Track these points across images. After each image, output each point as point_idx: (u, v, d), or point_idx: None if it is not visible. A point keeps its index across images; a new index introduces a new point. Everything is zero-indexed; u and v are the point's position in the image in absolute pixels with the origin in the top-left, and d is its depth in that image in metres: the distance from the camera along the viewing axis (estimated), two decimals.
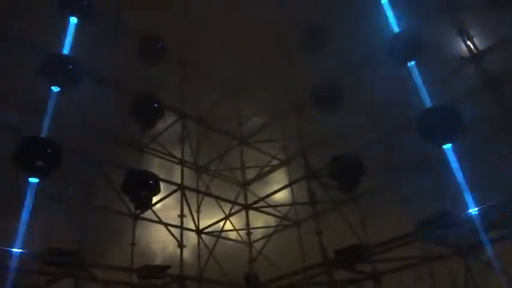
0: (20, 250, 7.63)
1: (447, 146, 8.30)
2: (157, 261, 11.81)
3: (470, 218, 7.79)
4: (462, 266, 8.60)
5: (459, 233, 8.30)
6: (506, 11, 8.67)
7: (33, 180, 8.08)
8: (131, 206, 10.50)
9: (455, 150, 8.17)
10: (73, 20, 10.28)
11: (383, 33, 9.99)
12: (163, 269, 10.22)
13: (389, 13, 10.27)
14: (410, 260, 9.23)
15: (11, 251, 7.60)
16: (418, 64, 9.16)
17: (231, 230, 13.12)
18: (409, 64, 9.24)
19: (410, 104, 9.18)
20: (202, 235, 12.25)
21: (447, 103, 8.54)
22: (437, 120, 8.46)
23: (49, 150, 8.31)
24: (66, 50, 9.83)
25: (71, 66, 9.61)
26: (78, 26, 10.26)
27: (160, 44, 12.46)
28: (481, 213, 7.70)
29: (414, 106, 8.84)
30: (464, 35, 9.40)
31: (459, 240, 8.62)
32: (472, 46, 9.29)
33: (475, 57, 9.19)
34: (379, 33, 10.10)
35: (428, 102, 8.73)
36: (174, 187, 11.50)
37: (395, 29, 10.04)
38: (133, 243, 10.56)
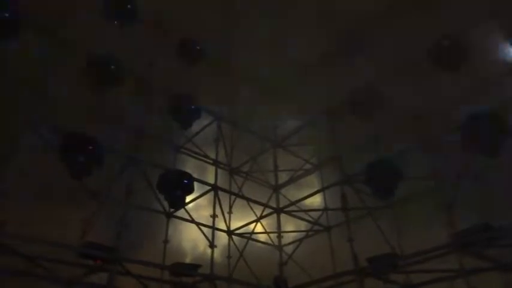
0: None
1: (492, 155, 7.96)
2: (188, 260, 11.99)
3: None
4: (502, 282, 8.24)
5: (501, 247, 7.95)
6: None
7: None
8: (165, 204, 10.69)
9: (502, 159, 7.82)
10: (116, 22, 10.66)
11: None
12: (194, 267, 10.34)
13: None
14: (446, 273, 8.90)
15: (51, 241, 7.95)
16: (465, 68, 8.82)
17: (261, 233, 13.13)
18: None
19: (453, 111, 8.88)
20: (233, 236, 12.32)
21: (494, 109, 8.20)
22: (481, 129, 8.16)
23: (91, 148, 8.63)
24: (108, 51, 10.18)
25: (112, 66, 9.95)
26: (120, 28, 10.61)
27: (199, 46, 12.63)
28: None
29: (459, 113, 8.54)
30: None
31: (500, 254, 8.25)
32: None
33: None
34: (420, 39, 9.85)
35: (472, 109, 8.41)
36: (208, 187, 11.64)
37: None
38: (166, 241, 10.76)
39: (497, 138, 7.89)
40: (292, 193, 13.71)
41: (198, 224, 11.28)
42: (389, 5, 11.12)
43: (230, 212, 12.51)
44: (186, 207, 11.21)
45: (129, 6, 10.86)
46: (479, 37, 9.18)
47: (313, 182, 13.88)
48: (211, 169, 12.40)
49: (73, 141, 8.60)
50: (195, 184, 10.82)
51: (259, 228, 12.96)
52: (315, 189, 13.02)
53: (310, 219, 13.08)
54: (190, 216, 11.34)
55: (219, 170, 12.37)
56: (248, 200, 12.73)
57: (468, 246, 8.28)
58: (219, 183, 11.95)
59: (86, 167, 8.41)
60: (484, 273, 8.49)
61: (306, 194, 13.11)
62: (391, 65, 11.16)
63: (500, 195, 7.83)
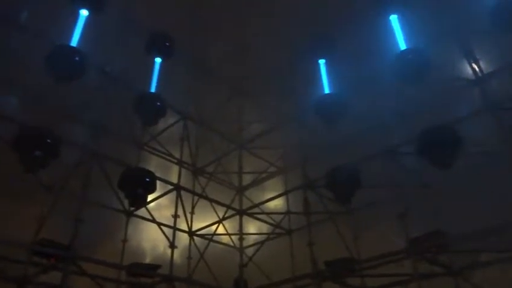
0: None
1: (447, 166, 8.35)
2: (148, 260, 11.80)
3: (464, 238, 7.81)
4: (453, 286, 8.61)
5: (452, 253, 8.32)
6: None
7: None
8: (126, 202, 10.44)
9: (454, 170, 8.22)
10: (83, 12, 10.33)
11: (390, 49, 10.08)
12: (153, 268, 10.16)
13: (397, 30, 10.36)
14: (400, 277, 9.21)
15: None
16: (424, 82, 9.20)
17: (223, 234, 13.07)
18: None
19: (412, 121, 9.23)
20: (194, 237, 12.20)
21: (448, 123, 8.60)
22: (436, 140, 8.54)
23: (48, 141, 8.30)
24: (74, 42, 9.86)
25: (77, 58, 9.63)
26: (88, 19, 10.29)
27: (168, 43, 12.45)
28: (475, 234, 7.72)
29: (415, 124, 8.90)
30: (470, 57, 9.49)
31: (451, 260, 8.64)
32: (477, 69, 9.38)
33: (480, 80, 9.28)
34: (386, 48, 10.18)
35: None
36: (170, 187, 11.47)
37: (402, 46, 10.12)
38: (125, 240, 10.50)
39: (450, 150, 8.26)
40: (255, 195, 13.75)
41: (159, 224, 11.09)
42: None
43: (192, 213, 12.39)
44: (147, 206, 10.99)
45: None
46: (438, 52, 9.61)
47: (278, 185, 13.97)
48: (175, 168, 12.24)
49: (28, 133, 8.23)
50: (158, 183, 10.64)
51: (221, 229, 12.90)
52: (279, 193, 13.12)
53: (272, 222, 13.16)
54: (151, 215, 11.13)
55: (183, 170, 12.22)
56: (211, 200, 12.65)
57: (422, 252, 8.60)
58: (182, 183, 11.81)
59: (40, 161, 8.06)
60: (437, 278, 8.88)
61: (269, 196, 13.19)
62: (355, 72, 11.45)
63: (451, 204, 8.20)
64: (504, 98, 8.63)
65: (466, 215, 8.22)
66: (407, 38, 10.23)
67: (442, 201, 8.39)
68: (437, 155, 8.38)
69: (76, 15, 10.22)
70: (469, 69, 9.49)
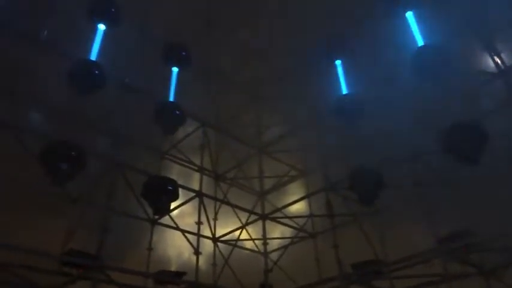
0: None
1: (472, 163, 8.14)
2: (173, 267, 11.85)
3: (495, 238, 7.58)
4: (484, 287, 8.37)
5: (483, 253, 8.08)
6: None
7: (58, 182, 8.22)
8: (150, 211, 10.57)
9: (481, 167, 8.00)
10: (101, 27, 10.57)
11: (407, 47, 9.91)
12: (179, 275, 10.23)
13: (414, 26, 10.17)
14: (430, 278, 9.00)
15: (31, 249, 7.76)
16: (444, 78, 8.98)
17: (247, 240, 13.08)
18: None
19: (435, 118, 9.04)
20: (218, 243, 12.24)
21: (473, 119, 8.38)
22: (461, 137, 8.33)
23: (73, 153, 8.49)
24: (93, 56, 10.08)
25: (96, 72, 9.84)
26: (105, 33, 10.52)
27: (184, 52, 12.58)
28: (507, 233, 7.49)
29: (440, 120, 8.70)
30: (492, 50, 9.25)
31: (483, 260, 8.40)
32: (499, 61, 9.13)
33: (503, 72, 9.02)
34: (403, 46, 10.02)
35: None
36: (192, 194, 11.55)
37: (420, 42, 9.94)
38: (150, 248, 10.61)
39: (477, 147, 8.05)
40: (277, 200, 13.71)
41: (183, 231, 11.17)
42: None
43: (215, 219, 12.43)
44: (170, 214, 11.09)
45: (112, 9, 10.74)
46: (458, 47, 9.40)
47: (299, 188, 13.91)
48: (196, 176, 12.32)
49: (55, 147, 8.44)
50: (180, 191, 10.75)
51: (244, 235, 12.90)
52: (301, 196, 13.03)
53: (295, 225, 13.08)
54: (175, 223, 11.22)
55: (204, 177, 12.29)
56: (233, 206, 12.67)
57: (452, 252, 8.38)
58: (204, 190, 11.88)
59: (67, 174, 8.25)
60: (468, 278, 8.63)
61: (291, 200, 13.13)
62: (374, 72, 11.30)
63: (480, 202, 7.98)
64: None
65: (496, 213, 7.96)
66: (425, 34, 10.02)
67: (470, 199, 8.16)
68: (464, 152, 8.15)
69: (94, 30, 10.45)
70: (491, 62, 9.25)
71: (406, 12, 10.49)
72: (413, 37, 10.18)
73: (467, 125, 8.38)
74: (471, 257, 8.44)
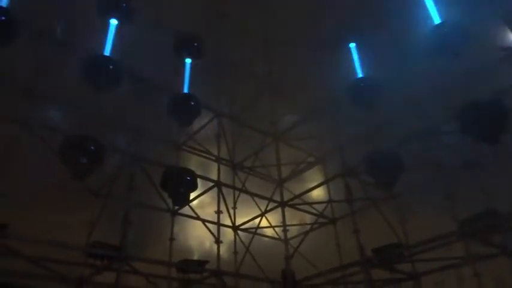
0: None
1: (493, 143, 7.92)
2: (195, 257, 12.05)
3: None
4: (509, 267, 8.21)
5: (506, 233, 7.92)
6: None
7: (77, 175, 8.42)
8: (170, 202, 10.74)
9: (502, 146, 7.78)
10: (113, 21, 10.66)
11: (423, 25, 9.64)
12: (201, 263, 10.40)
13: (430, 3, 9.84)
14: (452, 260, 8.89)
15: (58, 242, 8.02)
16: (463, 55, 8.68)
17: (267, 227, 13.17)
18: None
19: (454, 98, 8.79)
20: (239, 231, 12.37)
21: (493, 96, 8.13)
22: (481, 115, 8.09)
23: (92, 148, 8.67)
24: (106, 51, 10.20)
25: (111, 67, 9.96)
26: (118, 28, 10.61)
27: (196, 43, 12.58)
28: None
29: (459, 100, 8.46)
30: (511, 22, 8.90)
31: (506, 240, 8.22)
32: None
33: None
34: (418, 25, 9.75)
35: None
36: (211, 184, 11.67)
37: (437, 19, 9.63)
38: (172, 239, 10.81)
39: (497, 126, 7.81)
40: (296, 186, 13.70)
41: (203, 221, 11.32)
42: None
43: (235, 208, 12.55)
44: (190, 204, 11.25)
45: (124, 4, 10.79)
46: (476, 22, 9.08)
47: (317, 174, 13.86)
48: (214, 166, 12.41)
49: (74, 142, 8.63)
50: (199, 181, 10.84)
51: (264, 222, 12.98)
52: (319, 182, 12.99)
53: (315, 211, 13.08)
54: (195, 213, 11.38)
55: (222, 166, 12.37)
56: (252, 194, 12.74)
57: (473, 233, 8.24)
58: (222, 179, 11.96)
59: (87, 168, 8.44)
60: (491, 259, 8.49)
61: (309, 187, 13.11)
62: (388, 53, 11.06)
63: (500, 181, 7.78)
64: None
65: None
66: (442, 10, 9.68)
67: (490, 178, 7.96)
68: (483, 131, 7.92)
69: (106, 25, 10.54)
70: (511, 37, 8.92)
71: None
72: (429, 14, 9.87)
73: (486, 103, 8.12)
74: (494, 238, 8.28)
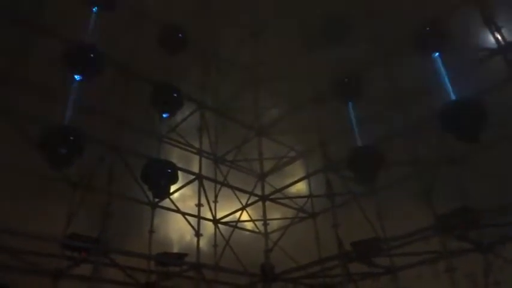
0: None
1: (472, 139, 8.13)
2: (175, 250, 11.97)
3: (493, 214, 7.64)
4: (483, 262, 8.47)
5: (481, 229, 8.15)
6: None
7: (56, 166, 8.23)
8: (150, 194, 10.62)
9: (480, 143, 8.00)
10: (95, 9, 10.41)
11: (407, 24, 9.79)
12: (180, 256, 10.35)
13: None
14: (429, 255, 9.10)
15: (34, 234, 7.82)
16: (444, 55, 8.87)
17: (247, 221, 13.19)
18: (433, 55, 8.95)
19: (434, 96, 8.98)
20: (219, 225, 12.35)
21: (472, 95, 8.33)
22: (460, 113, 8.29)
23: (72, 138, 8.47)
24: (88, 39, 9.95)
25: (92, 55, 9.73)
26: (99, 15, 10.36)
27: (181, 34, 12.42)
28: (504, 208, 7.54)
29: (438, 98, 8.64)
30: (492, 25, 9.12)
31: (480, 236, 8.47)
32: (499, 37, 9.01)
33: (503, 48, 8.92)
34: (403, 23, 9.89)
35: (452, 95, 8.51)
36: (192, 177, 11.59)
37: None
38: (151, 231, 10.71)
39: (477, 124, 8.01)
40: (277, 181, 13.75)
41: (183, 214, 11.24)
42: None
43: (216, 201, 12.53)
44: (171, 197, 11.15)
45: None
46: (459, 22, 9.27)
47: (299, 169, 13.94)
48: (195, 158, 12.33)
49: (54, 132, 8.41)
50: (180, 174, 10.76)
51: (245, 216, 12.99)
52: (300, 177, 13.08)
53: (295, 206, 13.17)
54: (175, 206, 11.28)
55: (204, 159, 12.30)
56: (233, 188, 12.73)
57: (450, 229, 8.46)
58: (203, 172, 11.90)
59: (66, 158, 8.24)
60: (466, 255, 8.73)
61: (291, 181, 13.18)
62: (373, 49, 11.18)
63: (478, 178, 8.00)
64: None
65: (494, 189, 8.00)
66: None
67: (469, 176, 8.18)
68: (463, 129, 8.12)
69: (89, 13, 10.29)
70: (491, 38, 9.13)
71: None
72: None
73: (465, 102, 8.31)
74: (469, 234, 8.51)
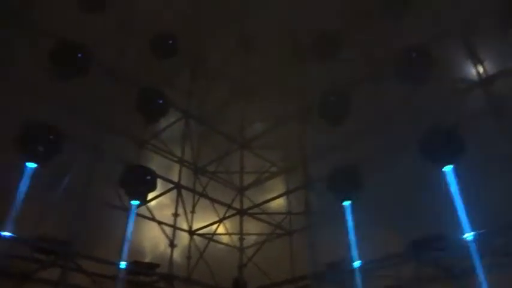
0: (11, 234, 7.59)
1: (447, 168, 8.29)
2: (147, 259, 11.71)
3: (465, 242, 7.74)
4: None
5: (453, 256, 8.24)
6: None
7: (31, 165, 8.03)
8: (126, 200, 10.41)
9: (455, 172, 8.17)
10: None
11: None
12: (152, 266, 10.15)
13: None
14: (401, 281, 9.12)
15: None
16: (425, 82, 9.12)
17: (223, 234, 13.04)
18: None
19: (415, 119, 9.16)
20: (195, 236, 12.18)
21: (451, 124, 8.52)
22: (438, 141, 8.47)
23: (51, 137, 8.29)
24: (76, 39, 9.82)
25: (80, 55, 9.62)
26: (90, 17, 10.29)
27: (171, 41, 12.41)
28: (477, 238, 7.65)
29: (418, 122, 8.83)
30: (475, 58, 9.41)
31: (452, 263, 8.55)
32: (481, 70, 9.29)
33: (483, 81, 9.20)
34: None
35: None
36: (171, 185, 11.44)
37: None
38: (124, 238, 10.44)
39: (454, 150, 8.20)
40: (256, 195, 13.69)
41: (159, 222, 11.08)
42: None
43: (193, 212, 12.38)
44: (148, 204, 10.98)
45: None
46: (443, 53, 9.55)
47: (279, 185, 13.92)
48: (176, 167, 12.21)
49: (31, 129, 8.21)
50: (159, 182, 10.61)
51: (221, 229, 12.86)
52: (280, 193, 13.06)
53: (273, 222, 13.11)
54: (151, 214, 11.10)
55: (184, 169, 12.19)
56: (212, 200, 12.62)
57: (422, 255, 8.52)
58: (183, 182, 11.79)
59: (43, 156, 8.04)
60: (438, 281, 8.78)
61: (270, 196, 13.14)
62: (357, 71, 11.38)
63: (452, 207, 8.12)
64: (509, 99, 8.57)
65: (468, 218, 8.11)
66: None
67: (441, 202, 8.30)
68: (440, 154, 8.30)
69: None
70: (473, 70, 9.41)
71: None
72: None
73: (442, 129, 8.50)
74: (442, 261, 8.59)
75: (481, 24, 9.46)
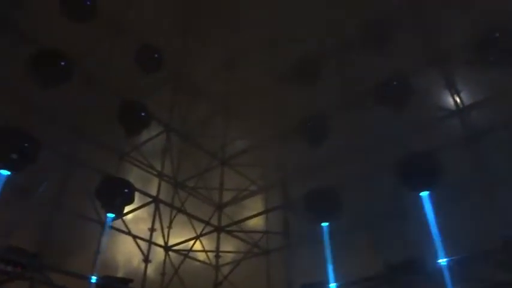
0: None
1: (423, 194, 8.45)
2: (120, 273, 11.41)
3: (440, 267, 7.84)
4: None
5: (427, 281, 8.32)
6: (496, 69, 9.04)
7: (4, 172, 7.79)
8: (102, 212, 10.17)
9: (430, 198, 8.33)
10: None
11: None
12: (125, 281, 9.86)
13: None
14: None
15: None
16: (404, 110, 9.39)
17: (200, 251, 12.85)
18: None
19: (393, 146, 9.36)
20: (170, 252, 11.96)
21: (428, 151, 8.72)
22: (416, 166, 8.64)
23: (26, 145, 8.08)
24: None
25: (62, 63, 9.50)
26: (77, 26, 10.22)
27: (157, 54, 12.39)
28: (451, 264, 7.76)
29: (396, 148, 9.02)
30: (452, 88, 9.73)
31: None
32: (458, 100, 9.61)
33: (460, 111, 9.50)
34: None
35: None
36: (149, 199, 11.26)
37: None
38: (98, 252, 10.17)
39: (430, 176, 8.37)
40: (235, 213, 13.60)
41: (134, 237, 10.85)
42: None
43: (170, 227, 12.18)
44: (124, 218, 10.76)
45: (88, 2, 10.47)
46: (422, 82, 9.86)
47: (258, 204, 13.87)
48: (155, 181, 12.05)
49: (5, 135, 7.99)
50: (136, 195, 10.43)
51: (198, 246, 12.68)
52: (258, 211, 13.00)
53: (250, 241, 13.00)
54: (127, 227, 10.87)
55: (163, 183, 12.04)
56: (190, 216, 12.46)
57: (398, 278, 8.57)
58: (161, 197, 11.64)
59: (17, 164, 7.81)
60: None
61: (248, 215, 13.07)
62: (339, 96, 11.59)
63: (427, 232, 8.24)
64: (484, 129, 8.85)
65: (442, 243, 8.24)
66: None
67: (418, 228, 8.42)
68: (416, 180, 8.46)
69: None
70: (451, 100, 9.73)
71: None
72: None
73: (418, 156, 8.68)
74: (416, 285, 8.65)
75: (460, 56, 9.82)
